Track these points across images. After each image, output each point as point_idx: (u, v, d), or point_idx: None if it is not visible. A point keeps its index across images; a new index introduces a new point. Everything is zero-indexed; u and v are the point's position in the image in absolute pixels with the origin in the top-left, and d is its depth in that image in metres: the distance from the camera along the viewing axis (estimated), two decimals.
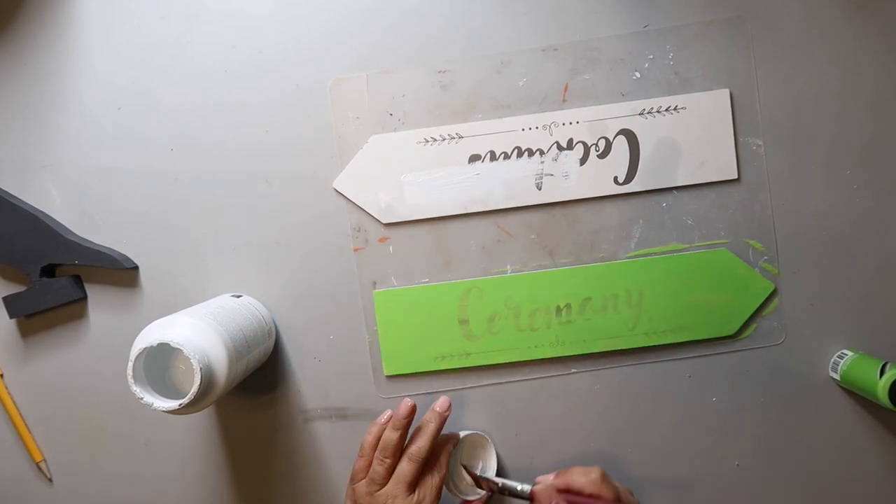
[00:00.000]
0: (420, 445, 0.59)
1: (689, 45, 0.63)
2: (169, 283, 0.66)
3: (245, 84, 0.65)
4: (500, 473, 0.64)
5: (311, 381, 0.66)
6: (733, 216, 0.64)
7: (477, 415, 0.65)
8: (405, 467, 0.58)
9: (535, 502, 0.57)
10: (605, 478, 0.55)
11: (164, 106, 0.65)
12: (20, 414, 0.66)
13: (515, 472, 0.65)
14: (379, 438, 0.59)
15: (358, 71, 0.65)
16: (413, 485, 0.58)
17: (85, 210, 0.66)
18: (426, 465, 0.59)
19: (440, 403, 0.61)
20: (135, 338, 0.53)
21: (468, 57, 0.64)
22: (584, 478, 0.55)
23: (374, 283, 0.65)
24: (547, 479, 0.57)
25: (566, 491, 0.55)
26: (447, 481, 0.61)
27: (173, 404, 0.51)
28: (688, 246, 0.64)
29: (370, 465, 0.59)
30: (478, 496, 0.62)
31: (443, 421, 0.60)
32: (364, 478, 0.59)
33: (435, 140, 0.64)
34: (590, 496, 0.54)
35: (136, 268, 0.66)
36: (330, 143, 0.65)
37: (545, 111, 0.64)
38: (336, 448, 0.64)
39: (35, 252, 0.64)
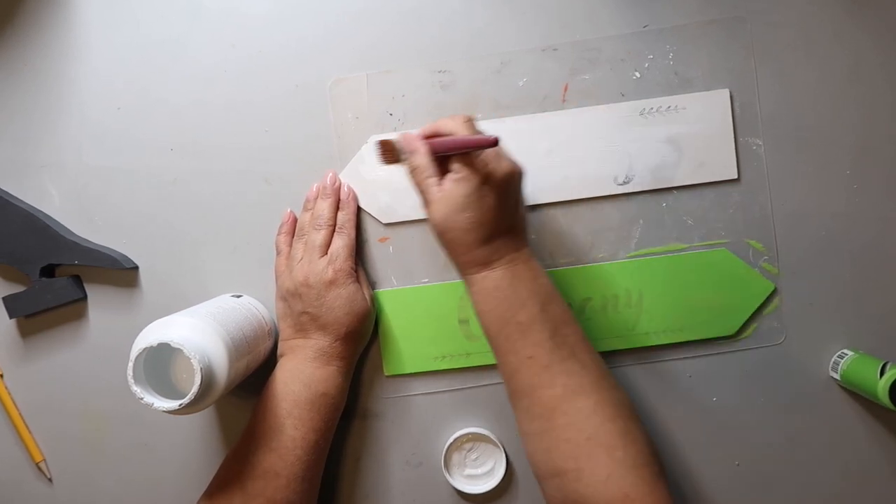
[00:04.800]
0: (320, 211, 0.63)
1: (688, 45, 0.63)
2: (169, 283, 0.66)
3: (245, 84, 0.65)
4: (506, 473, 0.64)
5: None
6: (733, 216, 0.64)
7: (477, 415, 0.65)
8: (313, 235, 0.62)
9: (399, 151, 0.57)
10: (469, 120, 0.55)
11: (164, 106, 0.65)
12: (20, 414, 0.66)
13: (517, 471, 0.65)
14: (295, 220, 0.64)
15: (358, 71, 0.65)
16: (325, 248, 0.62)
17: (85, 210, 0.66)
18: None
19: (328, 177, 0.64)
20: (135, 338, 0.53)
21: (468, 57, 0.64)
22: (449, 122, 0.55)
23: (374, 283, 0.65)
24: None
25: (430, 136, 0.56)
26: None
27: (173, 404, 0.51)
28: (688, 246, 0.64)
29: (290, 239, 0.64)
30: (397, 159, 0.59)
31: (336, 191, 0.63)
32: (285, 252, 0.63)
33: None
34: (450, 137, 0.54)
35: (136, 268, 0.66)
36: (329, 142, 0.65)
37: (545, 111, 0.64)
38: (336, 448, 0.64)
39: (35, 252, 0.64)
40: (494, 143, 0.51)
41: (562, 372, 0.52)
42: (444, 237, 0.54)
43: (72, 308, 0.66)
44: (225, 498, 0.56)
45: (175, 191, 0.66)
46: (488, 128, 0.63)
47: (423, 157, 0.54)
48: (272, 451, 0.57)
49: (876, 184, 0.63)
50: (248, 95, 0.65)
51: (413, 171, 0.55)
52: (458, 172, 0.53)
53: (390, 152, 0.57)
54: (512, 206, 0.55)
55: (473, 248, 0.54)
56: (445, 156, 0.55)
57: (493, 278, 0.54)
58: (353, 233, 0.63)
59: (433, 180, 0.54)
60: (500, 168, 0.53)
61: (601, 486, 0.50)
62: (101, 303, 0.66)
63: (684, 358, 0.65)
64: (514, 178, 0.54)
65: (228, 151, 0.65)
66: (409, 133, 0.57)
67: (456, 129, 0.54)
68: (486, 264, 0.54)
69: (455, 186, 0.53)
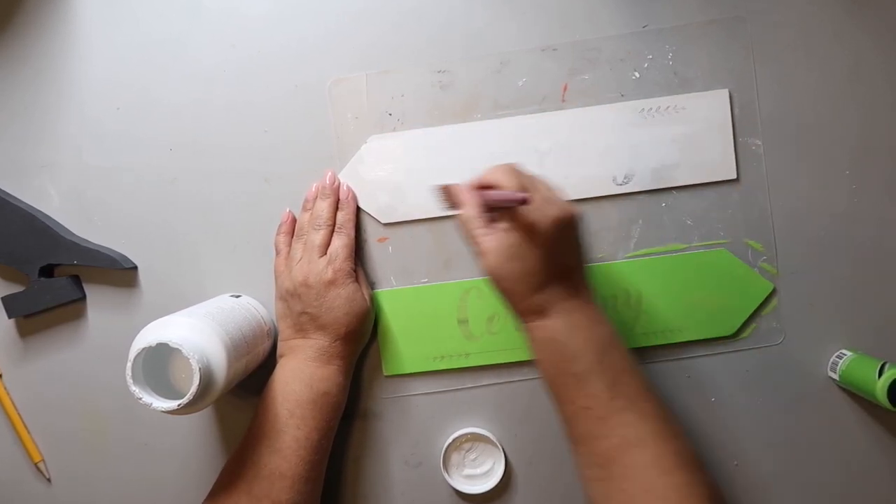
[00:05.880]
0: (320, 211, 0.63)
1: (688, 45, 0.63)
2: (168, 282, 0.66)
3: (244, 84, 0.65)
4: (505, 473, 0.64)
5: None
6: (733, 216, 0.64)
7: (476, 415, 0.65)
8: (312, 235, 0.62)
9: (450, 200, 0.56)
10: (512, 170, 0.54)
11: (164, 106, 0.65)
12: (19, 414, 0.66)
13: (516, 472, 0.65)
14: (294, 220, 0.65)
15: (357, 71, 0.65)
16: (324, 248, 0.62)
17: (84, 210, 0.66)
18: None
19: (327, 177, 0.64)
20: (134, 338, 0.53)
21: (468, 57, 0.64)
22: (493, 173, 0.54)
23: (374, 283, 0.65)
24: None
25: (481, 188, 0.54)
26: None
27: (172, 404, 0.51)
28: (687, 246, 0.64)
29: (289, 239, 0.64)
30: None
31: (335, 191, 0.64)
32: (284, 252, 0.64)
33: (434, 140, 0.64)
34: (502, 190, 0.53)
35: (135, 268, 0.66)
36: (329, 142, 0.65)
37: (545, 111, 0.64)
38: (335, 447, 0.64)
39: (34, 252, 0.64)
40: (522, 201, 0.50)
41: (619, 423, 0.51)
42: (498, 287, 0.53)
43: (71, 308, 0.66)
44: (230, 500, 0.56)
45: (175, 191, 0.66)
46: (488, 128, 0.64)
47: (470, 209, 0.53)
48: (276, 451, 0.57)
49: (876, 184, 0.63)
50: (248, 95, 0.65)
51: (462, 224, 0.54)
52: (504, 223, 0.52)
53: (451, 199, 0.56)
54: (563, 252, 0.53)
55: (527, 297, 0.53)
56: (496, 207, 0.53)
57: (548, 328, 0.53)
58: (352, 233, 0.63)
59: (481, 231, 0.53)
60: (546, 216, 0.51)
61: None
62: (100, 303, 0.66)
63: (684, 358, 0.65)
64: (562, 224, 0.52)
65: (228, 151, 0.65)
66: (462, 183, 0.55)
67: (500, 180, 0.53)
68: (540, 313, 0.53)
69: (502, 237, 0.52)
